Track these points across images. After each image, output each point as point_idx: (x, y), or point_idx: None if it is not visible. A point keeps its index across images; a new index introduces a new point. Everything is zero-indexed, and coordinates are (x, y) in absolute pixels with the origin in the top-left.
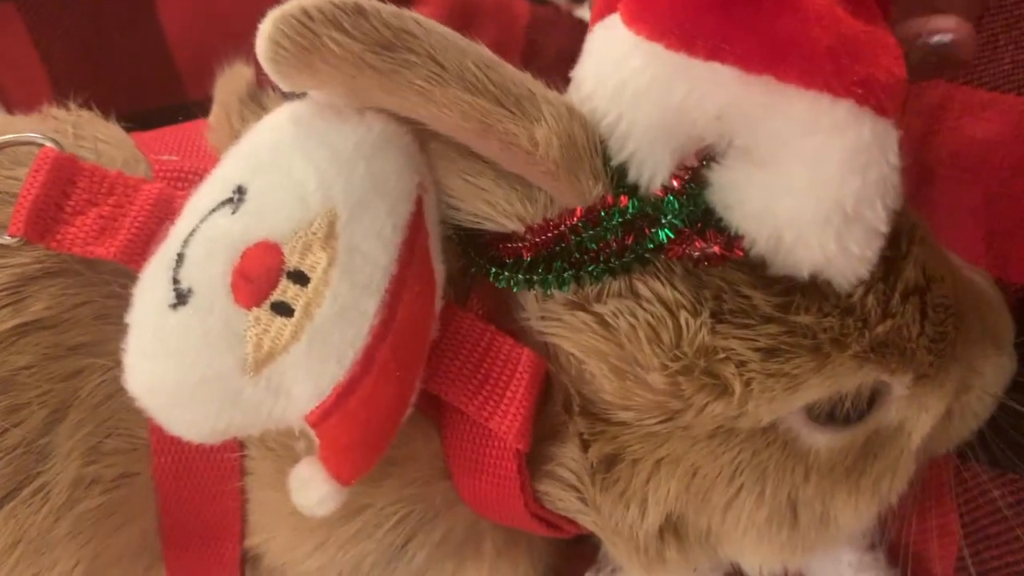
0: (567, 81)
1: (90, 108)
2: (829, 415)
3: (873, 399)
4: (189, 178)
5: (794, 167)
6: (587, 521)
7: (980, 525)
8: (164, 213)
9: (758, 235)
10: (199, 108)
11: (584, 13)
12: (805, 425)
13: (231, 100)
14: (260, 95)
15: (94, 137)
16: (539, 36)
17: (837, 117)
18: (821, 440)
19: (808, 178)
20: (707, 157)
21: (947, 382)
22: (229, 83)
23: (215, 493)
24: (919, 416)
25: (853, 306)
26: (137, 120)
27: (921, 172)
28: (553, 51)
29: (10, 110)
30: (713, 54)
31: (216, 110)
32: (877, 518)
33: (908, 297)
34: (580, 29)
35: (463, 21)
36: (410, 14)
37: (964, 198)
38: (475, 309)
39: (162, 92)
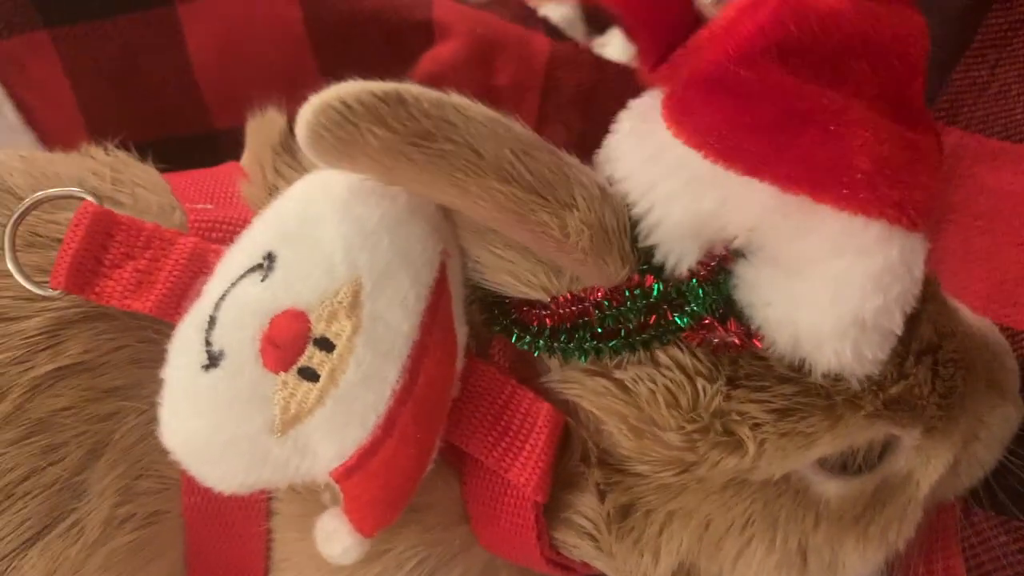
0: (583, 116)
1: (127, 148)
2: (841, 465)
3: (884, 451)
4: (223, 228)
5: (819, 283)
6: (600, 567)
7: (985, 571)
8: (198, 267)
9: (777, 336)
10: (225, 136)
11: (603, 50)
12: (817, 474)
13: (264, 151)
14: (292, 144)
15: (132, 182)
16: (558, 72)
17: (868, 239)
18: (832, 489)
19: (832, 296)
20: (735, 251)
21: (955, 433)
22: (261, 132)
23: (242, 534)
24: (927, 466)
25: None
26: (164, 147)
27: (933, 219)
28: (572, 87)
29: (41, 134)
30: (752, 171)
31: (249, 159)
32: (884, 564)
33: (921, 357)
34: (598, 66)
35: (485, 56)
36: (450, 101)
37: (975, 245)
38: (496, 359)
39: (189, 120)
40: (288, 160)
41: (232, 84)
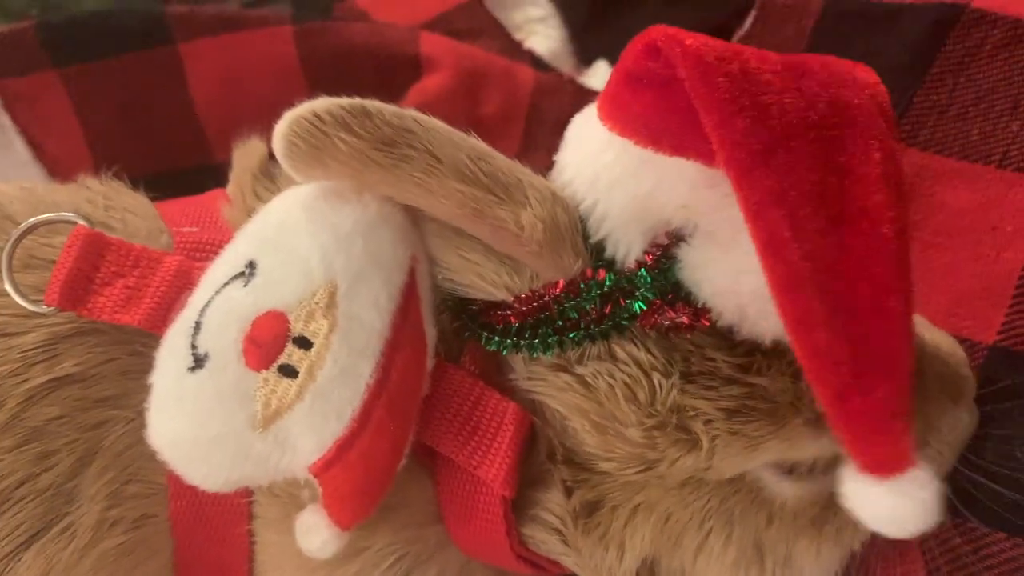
0: None
1: (120, 178)
2: (789, 469)
3: (836, 460)
4: (206, 249)
5: (752, 248)
6: (569, 563)
7: (945, 571)
8: (184, 283)
9: (724, 308)
10: (225, 168)
11: (590, 80)
12: (772, 475)
13: (245, 177)
14: (272, 170)
15: (123, 208)
16: (542, 102)
17: None
18: (789, 491)
19: None
20: (676, 236)
21: None
22: (244, 159)
23: (226, 535)
24: None
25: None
26: (168, 178)
27: None
28: (554, 116)
29: (50, 168)
30: (678, 151)
31: (232, 185)
32: (842, 566)
33: None
34: (581, 96)
35: (471, 88)
36: (411, 113)
37: (935, 261)
38: (468, 366)
39: (191, 153)
40: (267, 184)
41: (231, 118)
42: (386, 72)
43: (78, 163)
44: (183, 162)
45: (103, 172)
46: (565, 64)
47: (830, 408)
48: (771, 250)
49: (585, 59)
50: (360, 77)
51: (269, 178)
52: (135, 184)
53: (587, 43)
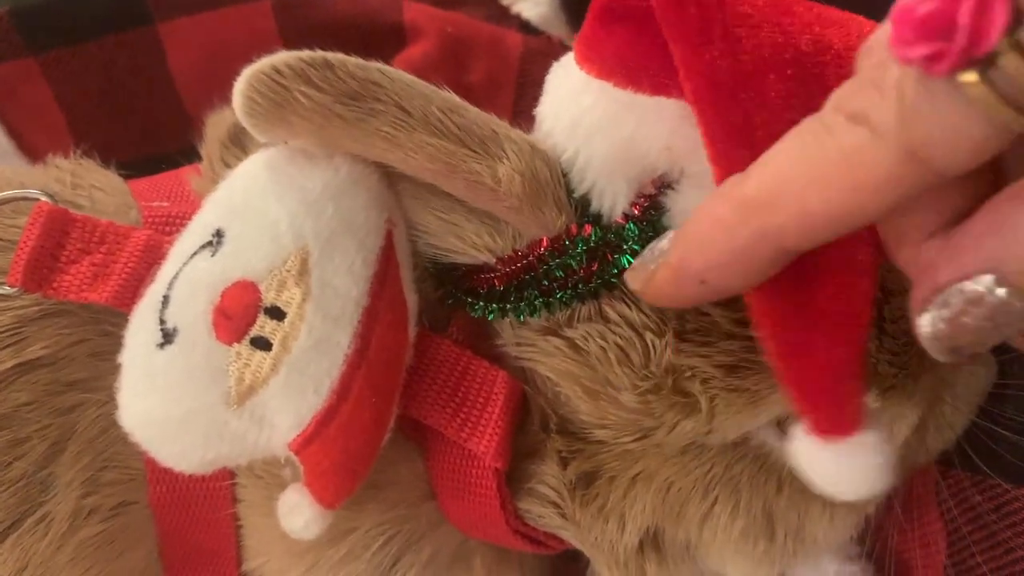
0: None
1: (91, 156)
2: None
3: None
4: (176, 223)
5: None
6: (568, 536)
7: (963, 532)
8: (153, 258)
9: None
10: None
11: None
12: (779, 440)
13: (213, 146)
14: (242, 138)
15: (90, 185)
16: (532, 67)
17: None
18: None
19: None
20: (664, 185)
21: (916, 393)
22: (213, 129)
23: (210, 520)
24: (891, 428)
25: None
26: (153, 161)
27: None
28: (544, 80)
29: (32, 158)
30: (657, 90)
31: (203, 156)
32: (859, 528)
33: None
34: None
35: (457, 55)
36: (375, 65)
37: None
38: (454, 336)
39: (175, 135)
40: (236, 152)
41: (214, 97)
42: (369, 43)
43: (61, 151)
44: (168, 145)
45: (84, 153)
46: (557, 29)
47: (777, 365)
48: None
49: (577, 23)
50: (343, 49)
51: (239, 146)
52: (120, 170)
53: (580, 6)
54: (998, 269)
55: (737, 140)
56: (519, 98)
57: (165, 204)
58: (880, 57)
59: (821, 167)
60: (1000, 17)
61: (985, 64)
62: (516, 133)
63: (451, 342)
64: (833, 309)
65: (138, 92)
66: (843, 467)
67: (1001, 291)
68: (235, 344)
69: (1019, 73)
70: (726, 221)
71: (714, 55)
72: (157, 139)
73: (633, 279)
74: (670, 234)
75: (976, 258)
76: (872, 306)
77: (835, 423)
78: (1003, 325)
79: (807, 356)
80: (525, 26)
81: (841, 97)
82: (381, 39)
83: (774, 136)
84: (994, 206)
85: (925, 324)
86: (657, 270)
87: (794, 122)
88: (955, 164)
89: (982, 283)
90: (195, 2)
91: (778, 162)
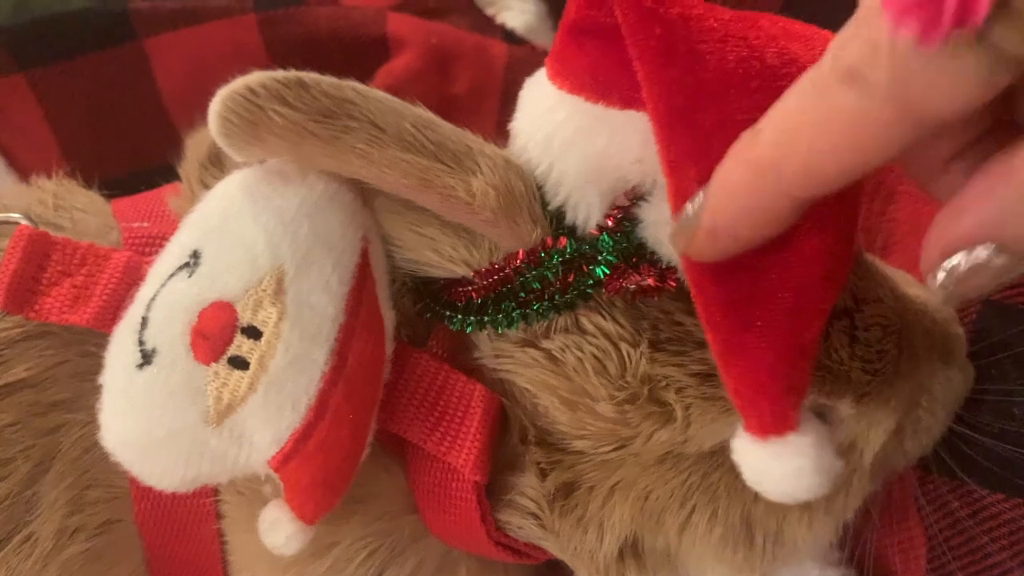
0: None
1: (80, 174)
2: None
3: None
4: (156, 243)
5: None
6: (548, 547)
7: (943, 537)
8: (133, 279)
9: None
10: None
11: None
12: None
13: (192, 166)
14: (221, 158)
15: (72, 207)
16: (517, 76)
17: None
18: None
19: None
20: (636, 196)
21: (892, 399)
22: (192, 149)
23: (195, 536)
24: (868, 434)
25: None
26: (143, 177)
27: (881, 189)
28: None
29: (24, 176)
30: (627, 103)
31: (182, 176)
32: (839, 534)
33: (832, 321)
34: None
35: (442, 65)
36: (349, 83)
37: (924, 214)
38: (434, 350)
39: (163, 151)
40: (215, 172)
41: (202, 113)
42: (354, 55)
43: (50, 168)
44: (156, 160)
45: (68, 174)
46: (543, 39)
47: (718, 363)
48: (678, 207)
49: None
50: (327, 62)
51: (218, 166)
52: (109, 187)
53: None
54: (997, 237)
55: (691, 159)
56: (504, 108)
57: (145, 225)
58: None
59: (823, 127)
60: None
61: (976, 30)
62: (490, 148)
63: (429, 356)
64: (772, 310)
65: (126, 108)
66: (773, 467)
67: (1001, 258)
68: (213, 364)
69: (1009, 37)
70: (743, 183)
71: (676, 74)
72: (146, 155)
73: (676, 243)
74: (700, 197)
75: (975, 224)
76: (821, 314)
77: (767, 422)
78: (1005, 279)
79: (743, 355)
80: (510, 36)
81: (838, 49)
82: (365, 52)
83: None
84: (989, 169)
85: (935, 282)
86: (695, 233)
87: None
88: (951, 116)
89: (984, 251)
90: (180, 17)
91: (783, 121)
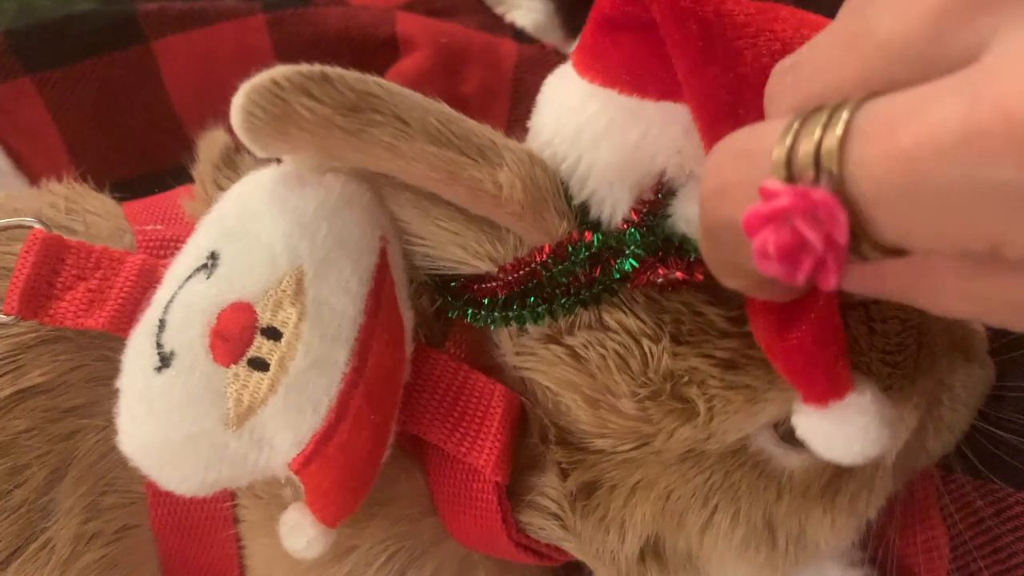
0: None
1: (88, 177)
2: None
3: None
4: (171, 246)
5: None
6: (570, 548)
7: (965, 537)
8: (148, 282)
9: None
10: None
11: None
12: (778, 446)
13: (206, 168)
14: (235, 159)
15: (84, 210)
16: (527, 75)
17: None
18: (795, 461)
19: None
20: (663, 190)
21: (914, 395)
22: (205, 150)
23: (212, 541)
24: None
25: None
26: (152, 180)
27: None
28: (539, 87)
29: (31, 179)
30: (664, 95)
31: (196, 178)
32: (861, 534)
33: (847, 311)
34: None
35: (451, 65)
36: (372, 78)
37: None
38: (452, 350)
39: (172, 154)
40: (229, 174)
41: (211, 115)
42: (363, 56)
43: (60, 172)
44: (165, 163)
45: (78, 177)
46: (552, 37)
47: (766, 346)
48: None
49: (572, 30)
50: (336, 62)
51: (231, 167)
52: (118, 189)
53: (575, 14)
54: None
55: (724, 120)
56: (514, 106)
57: (159, 227)
58: None
59: None
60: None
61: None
62: (514, 143)
63: (448, 356)
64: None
65: (134, 111)
66: (842, 430)
67: None
68: (232, 366)
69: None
70: None
71: (716, 71)
72: (155, 157)
73: None
74: None
75: None
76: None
77: (825, 389)
78: None
79: (789, 330)
80: (519, 34)
81: None
82: (374, 52)
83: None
84: None
85: None
86: None
87: None
88: None
89: None
90: (188, 19)
91: None
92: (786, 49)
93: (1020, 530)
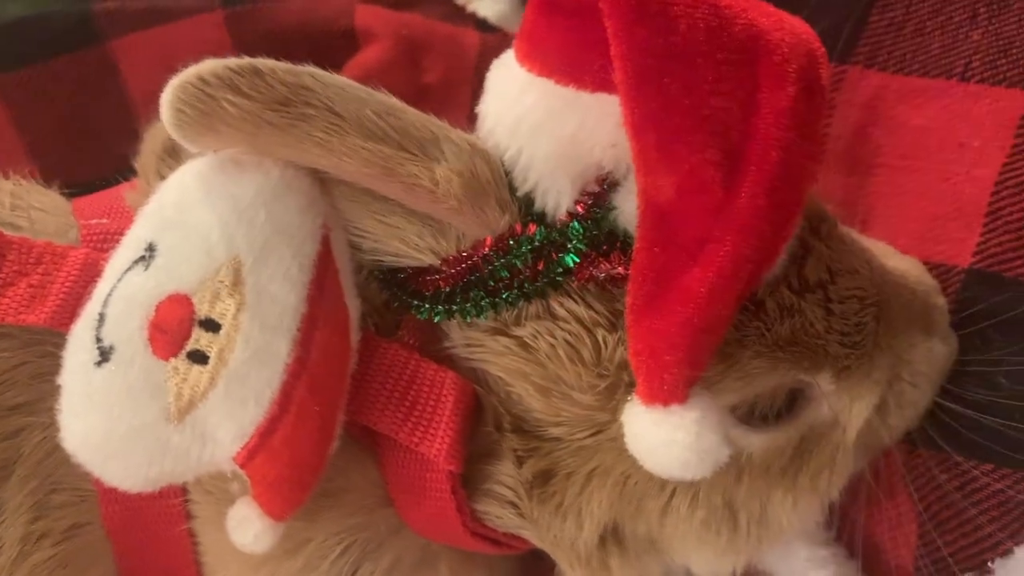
0: None
1: (35, 178)
2: (761, 417)
3: (795, 397)
4: (114, 239)
5: None
6: (527, 535)
7: (932, 512)
8: (91, 277)
9: None
10: None
11: None
12: (736, 427)
13: (149, 159)
14: (179, 149)
15: (29, 206)
16: (491, 64)
17: None
18: (755, 442)
19: None
20: (608, 182)
21: (874, 372)
22: (149, 142)
23: (165, 538)
24: (851, 409)
25: (756, 308)
26: (115, 180)
27: (860, 163)
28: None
29: None
30: (600, 86)
31: (139, 170)
32: (826, 513)
33: (805, 294)
34: None
35: (413, 56)
36: (306, 70)
37: (904, 186)
38: (405, 339)
39: (135, 152)
40: (172, 164)
41: None
42: (322, 49)
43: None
44: (127, 163)
45: (50, 184)
46: (516, 27)
47: (630, 319)
48: (640, 171)
49: None
50: (296, 56)
51: (175, 158)
52: (85, 189)
53: None
54: None
55: (653, 124)
56: (477, 97)
57: (105, 221)
58: None
59: None
60: None
61: None
62: (456, 134)
63: (399, 346)
64: (686, 285)
65: (95, 111)
66: (650, 435)
67: None
68: (172, 359)
69: None
70: None
71: (645, 34)
72: (118, 159)
73: None
74: None
75: None
76: (733, 296)
77: (655, 390)
78: None
79: (652, 319)
80: (482, 24)
81: None
82: (334, 45)
83: (695, 123)
84: None
85: None
86: None
87: (720, 109)
88: None
89: None
90: (146, 17)
91: None
92: (724, 27)
93: (984, 503)
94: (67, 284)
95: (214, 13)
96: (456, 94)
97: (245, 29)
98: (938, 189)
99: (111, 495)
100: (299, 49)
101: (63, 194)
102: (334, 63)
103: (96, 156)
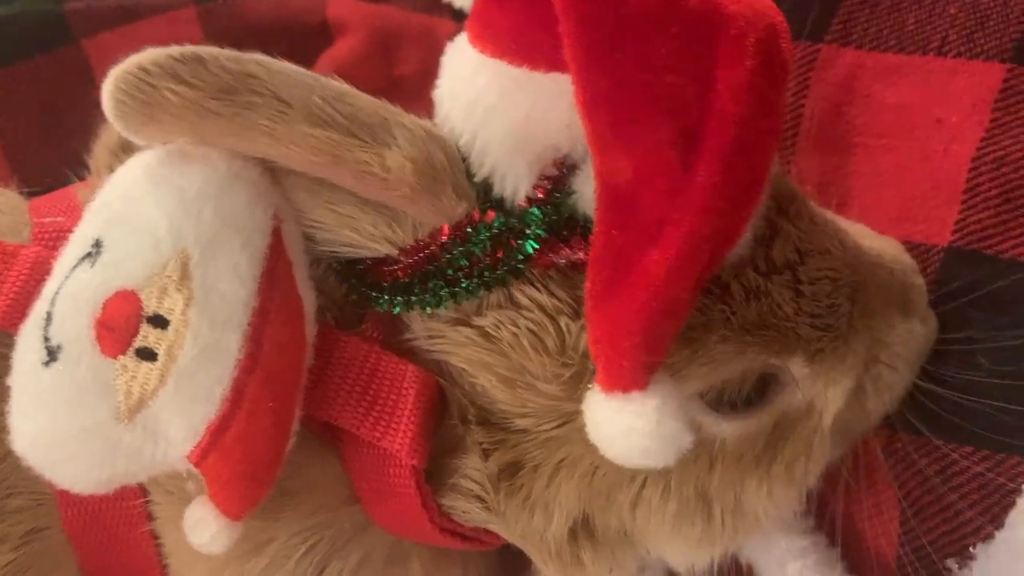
0: None
1: (26, 184)
2: (728, 403)
3: (767, 383)
4: (66, 237)
5: None
6: (496, 529)
7: (913, 498)
8: (42, 275)
9: None
10: None
11: None
12: (707, 414)
13: (102, 154)
14: (133, 146)
15: None
16: None
17: None
18: (727, 429)
19: None
20: (567, 165)
21: (848, 355)
22: (103, 138)
23: (127, 540)
24: (826, 394)
25: (721, 291)
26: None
27: (837, 143)
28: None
29: None
30: (553, 66)
31: (91, 165)
32: (804, 502)
33: (772, 276)
34: None
35: (386, 48)
36: (252, 57)
37: (881, 165)
38: (368, 333)
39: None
40: (125, 159)
41: None
42: (295, 43)
43: None
44: None
45: (25, 185)
46: None
47: (589, 303)
48: (595, 152)
49: None
50: (269, 51)
51: (128, 152)
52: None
53: None
54: None
55: (606, 102)
56: None
57: (60, 219)
58: None
59: None
60: None
61: None
62: (409, 119)
63: (359, 339)
64: (632, 269)
65: (69, 112)
66: (610, 422)
67: None
68: (120, 357)
69: None
70: None
71: (595, 5)
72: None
73: None
74: None
75: None
76: (693, 277)
77: (615, 376)
78: None
79: (611, 304)
80: (459, 15)
81: None
82: (307, 38)
83: (650, 101)
84: None
85: None
86: None
87: (676, 85)
88: None
89: None
90: (117, 16)
91: None
92: (678, 2)
93: (964, 487)
94: (17, 283)
95: (187, 9)
96: (431, 84)
97: (218, 25)
98: (916, 167)
99: (69, 498)
100: (273, 43)
101: (32, 193)
102: (309, 57)
103: (73, 157)
